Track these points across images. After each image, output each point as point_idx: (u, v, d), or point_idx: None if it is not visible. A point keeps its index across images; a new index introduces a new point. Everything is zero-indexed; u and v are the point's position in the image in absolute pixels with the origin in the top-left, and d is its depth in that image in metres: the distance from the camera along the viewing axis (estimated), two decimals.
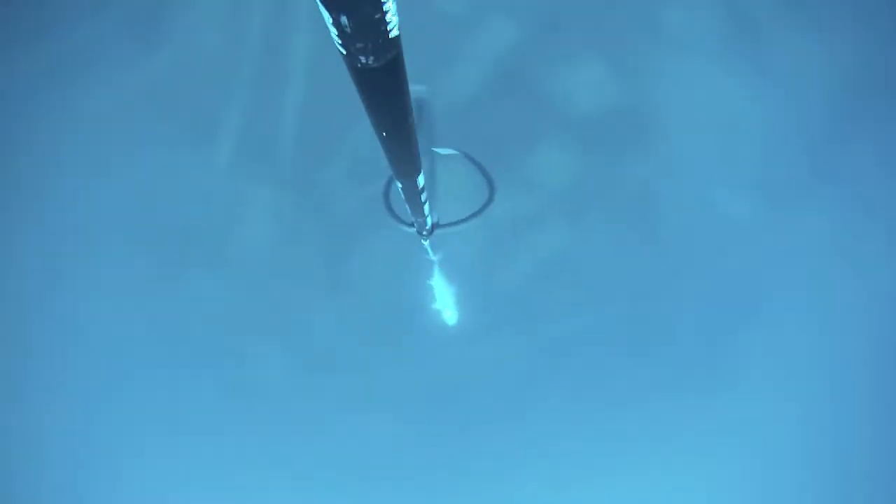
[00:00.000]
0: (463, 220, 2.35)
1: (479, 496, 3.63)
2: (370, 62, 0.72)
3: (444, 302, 3.58)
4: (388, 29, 0.67)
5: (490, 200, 2.34)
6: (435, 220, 2.29)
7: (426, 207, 1.91)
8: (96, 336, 3.68)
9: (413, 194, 1.66)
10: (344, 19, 0.62)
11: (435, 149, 2.48)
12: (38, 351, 3.68)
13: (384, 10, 0.63)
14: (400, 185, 1.59)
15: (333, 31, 0.66)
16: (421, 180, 1.58)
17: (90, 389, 3.72)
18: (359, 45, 0.69)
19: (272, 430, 3.68)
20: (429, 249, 3.15)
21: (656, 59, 3.35)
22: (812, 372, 3.41)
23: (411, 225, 2.28)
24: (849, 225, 3.30)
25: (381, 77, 0.78)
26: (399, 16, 0.69)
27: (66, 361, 3.70)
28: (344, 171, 3.58)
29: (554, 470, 3.60)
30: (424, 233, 2.31)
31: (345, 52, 0.72)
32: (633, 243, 3.38)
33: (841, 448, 3.37)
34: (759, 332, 3.40)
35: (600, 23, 3.34)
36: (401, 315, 3.64)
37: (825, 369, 3.41)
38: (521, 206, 3.27)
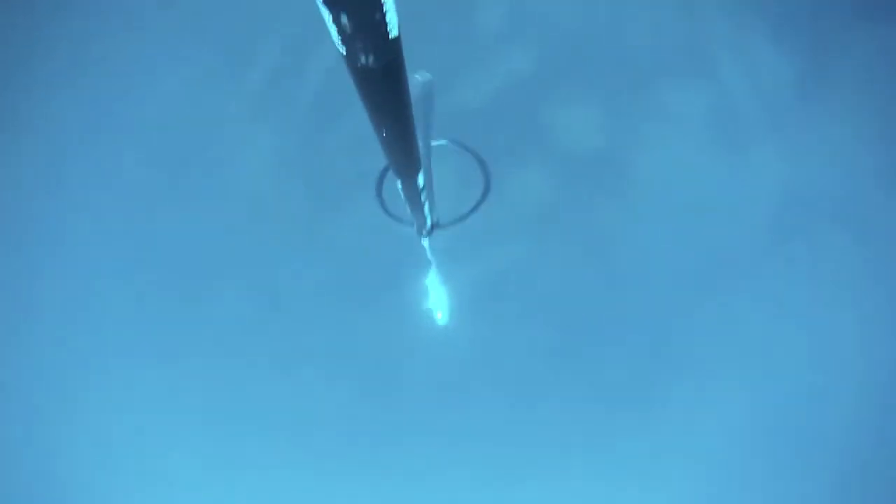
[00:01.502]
0: (462, 218, 2.30)
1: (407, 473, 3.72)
2: (370, 62, 0.73)
3: (437, 302, 3.57)
4: (388, 29, 0.68)
5: (486, 192, 2.28)
6: (435, 219, 2.25)
7: (426, 207, 1.89)
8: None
9: (413, 194, 1.65)
10: (344, 19, 0.63)
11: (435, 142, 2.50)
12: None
13: (384, 10, 0.64)
14: (399, 185, 1.58)
15: (333, 31, 0.66)
16: (421, 179, 1.57)
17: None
18: (359, 45, 0.69)
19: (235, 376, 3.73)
20: (428, 250, 3.12)
21: (646, 120, 3.78)
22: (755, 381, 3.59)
23: (410, 224, 2.23)
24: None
25: (381, 77, 0.78)
26: (399, 16, 0.69)
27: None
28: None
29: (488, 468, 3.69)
30: (424, 233, 2.26)
31: (345, 52, 0.72)
32: (586, 267, 3.67)
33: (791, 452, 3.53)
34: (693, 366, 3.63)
35: (604, 73, 3.77)
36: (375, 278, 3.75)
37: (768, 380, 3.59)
38: (491, 220, 3.50)
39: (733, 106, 3.73)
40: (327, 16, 0.63)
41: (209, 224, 3.79)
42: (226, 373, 3.72)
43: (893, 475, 3.40)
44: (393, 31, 0.69)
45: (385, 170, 2.24)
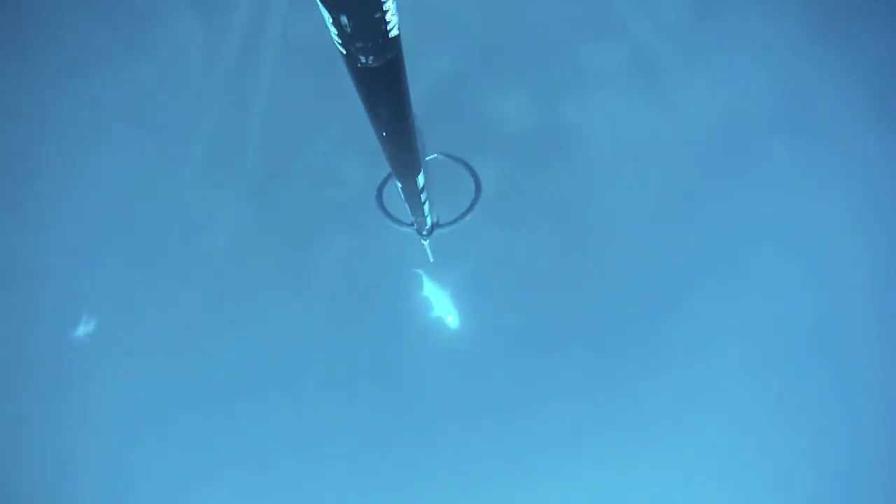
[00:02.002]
0: (461, 217, 2.29)
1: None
2: (370, 62, 0.73)
3: (441, 306, 3.64)
4: (388, 29, 0.68)
5: (478, 193, 2.29)
6: (435, 219, 2.25)
7: (426, 207, 1.88)
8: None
9: (413, 194, 1.64)
10: (344, 19, 0.63)
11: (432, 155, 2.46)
12: None
13: (384, 9, 0.64)
14: (399, 185, 1.57)
15: (333, 31, 0.66)
16: (421, 180, 1.56)
17: None
18: (359, 45, 0.69)
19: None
20: (428, 250, 3.15)
21: (571, 88, 4.05)
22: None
23: (410, 225, 2.23)
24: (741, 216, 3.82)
25: (380, 77, 0.78)
26: (399, 15, 0.69)
27: None
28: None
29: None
30: (424, 233, 2.26)
31: (344, 52, 0.72)
32: (556, 242, 3.82)
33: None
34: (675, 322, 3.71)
35: (526, 57, 4.03)
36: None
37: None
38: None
39: (649, 54, 3.99)
40: (327, 16, 0.64)
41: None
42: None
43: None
44: (393, 31, 0.70)
45: (386, 179, 2.25)
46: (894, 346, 3.48)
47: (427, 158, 2.29)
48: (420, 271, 3.59)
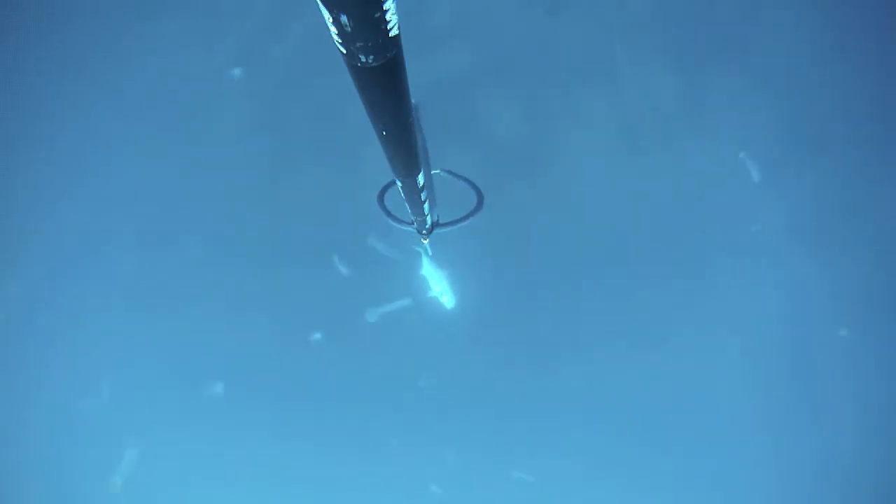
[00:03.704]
0: (463, 219, 2.32)
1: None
2: (370, 61, 0.73)
3: (439, 289, 3.80)
4: (389, 28, 0.68)
5: (480, 200, 2.33)
6: (435, 218, 2.29)
7: (426, 206, 1.91)
8: None
9: (413, 193, 1.66)
10: (344, 18, 0.63)
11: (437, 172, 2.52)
12: None
13: (384, 8, 0.64)
14: (399, 184, 1.58)
15: (333, 31, 0.67)
16: (421, 179, 1.57)
17: None
18: (358, 44, 0.69)
19: None
20: (428, 248, 3.27)
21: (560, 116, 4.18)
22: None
23: (411, 224, 2.26)
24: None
25: (380, 76, 0.78)
26: (399, 15, 0.69)
27: None
28: None
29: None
30: (424, 231, 2.30)
31: (344, 52, 0.72)
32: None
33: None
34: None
35: (530, 76, 4.17)
36: None
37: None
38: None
39: (633, 114, 4.15)
40: (327, 16, 0.63)
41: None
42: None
43: None
44: (393, 30, 0.69)
45: (389, 184, 2.30)
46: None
47: (432, 173, 2.35)
48: (419, 249, 3.73)
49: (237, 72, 4.05)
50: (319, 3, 0.60)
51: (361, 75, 0.78)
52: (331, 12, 0.61)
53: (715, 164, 3.96)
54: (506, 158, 4.02)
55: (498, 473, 3.85)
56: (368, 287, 3.95)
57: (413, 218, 2.14)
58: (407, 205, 1.87)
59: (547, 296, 3.94)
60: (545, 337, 3.93)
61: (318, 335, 3.92)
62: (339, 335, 3.93)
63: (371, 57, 0.72)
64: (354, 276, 3.98)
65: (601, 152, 4.03)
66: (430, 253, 3.49)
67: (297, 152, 4.03)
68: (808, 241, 3.84)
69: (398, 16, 0.68)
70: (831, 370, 3.76)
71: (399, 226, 2.34)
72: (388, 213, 2.31)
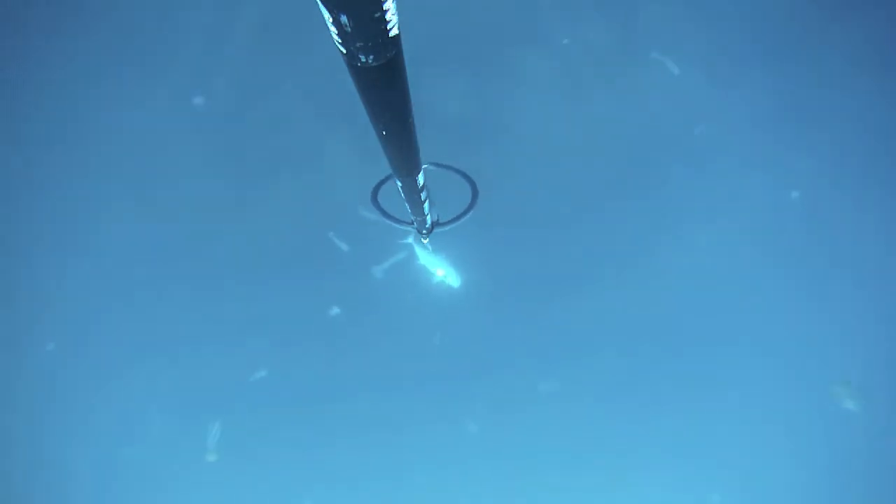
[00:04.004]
0: (463, 215, 2.23)
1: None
2: (370, 61, 0.72)
3: (442, 273, 3.95)
4: (389, 27, 0.67)
5: (475, 195, 2.22)
6: (435, 217, 2.24)
7: (426, 206, 1.86)
8: None
9: (413, 193, 1.62)
10: (344, 18, 0.62)
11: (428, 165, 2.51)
12: None
13: (384, 8, 0.63)
14: (399, 184, 1.56)
15: (333, 31, 0.66)
16: (421, 179, 1.54)
17: None
18: (358, 44, 0.69)
19: None
20: (429, 248, 3.27)
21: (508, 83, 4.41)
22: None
23: (410, 223, 2.21)
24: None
25: (380, 76, 0.77)
26: (399, 14, 0.69)
27: None
28: None
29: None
30: (424, 231, 2.25)
31: (344, 52, 0.71)
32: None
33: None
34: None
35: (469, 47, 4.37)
36: None
37: None
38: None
39: (576, 62, 4.41)
40: (327, 16, 0.63)
41: None
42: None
43: None
44: (393, 30, 0.69)
45: (384, 179, 2.19)
46: None
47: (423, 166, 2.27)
48: (411, 241, 3.92)
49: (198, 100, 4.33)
50: (319, 3, 0.59)
51: (361, 75, 0.77)
52: (331, 12, 0.61)
53: (653, 84, 4.31)
54: (465, 132, 4.29)
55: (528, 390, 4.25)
56: (370, 254, 4.24)
57: (413, 218, 2.10)
58: (407, 205, 1.83)
59: (543, 237, 4.31)
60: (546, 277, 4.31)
61: (336, 310, 4.28)
62: (354, 305, 4.28)
63: (371, 57, 0.71)
64: (354, 249, 4.27)
65: (552, 103, 4.35)
66: (430, 249, 3.53)
67: (265, 164, 4.40)
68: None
69: (398, 16, 0.68)
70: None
71: (399, 226, 2.28)
72: (385, 213, 2.24)
